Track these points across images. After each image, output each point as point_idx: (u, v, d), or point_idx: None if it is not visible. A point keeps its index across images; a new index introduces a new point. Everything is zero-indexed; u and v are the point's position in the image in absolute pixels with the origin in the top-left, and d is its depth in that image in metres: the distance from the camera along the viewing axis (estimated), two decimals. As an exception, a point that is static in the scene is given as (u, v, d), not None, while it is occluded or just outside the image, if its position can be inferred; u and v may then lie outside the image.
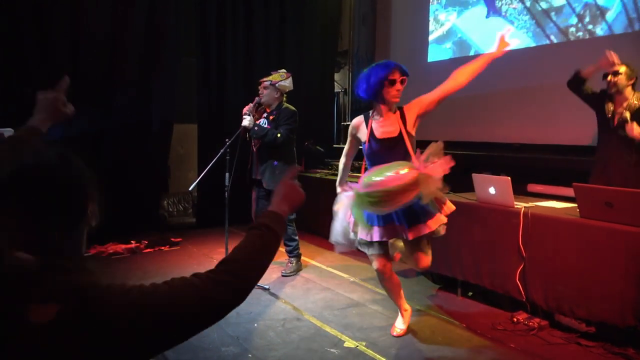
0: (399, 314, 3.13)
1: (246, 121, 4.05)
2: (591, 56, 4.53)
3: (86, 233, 1.07)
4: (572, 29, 4.65)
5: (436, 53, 5.96)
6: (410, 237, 2.72)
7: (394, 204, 2.50)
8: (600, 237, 2.81)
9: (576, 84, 3.63)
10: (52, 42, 5.01)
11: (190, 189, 3.87)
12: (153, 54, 5.57)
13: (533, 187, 4.48)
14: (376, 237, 2.76)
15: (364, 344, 2.93)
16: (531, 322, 3.11)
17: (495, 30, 5.26)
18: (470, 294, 3.67)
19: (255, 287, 3.87)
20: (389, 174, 2.47)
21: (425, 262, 2.88)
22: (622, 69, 3.42)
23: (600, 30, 4.46)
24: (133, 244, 4.98)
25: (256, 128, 4.07)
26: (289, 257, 4.36)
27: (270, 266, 4.13)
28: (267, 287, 3.86)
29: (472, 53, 5.56)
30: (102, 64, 5.30)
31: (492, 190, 3.41)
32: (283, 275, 4.22)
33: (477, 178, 3.53)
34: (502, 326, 3.13)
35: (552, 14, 4.80)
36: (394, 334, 3.06)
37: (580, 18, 4.60)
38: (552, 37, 4.81)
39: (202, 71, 6.09)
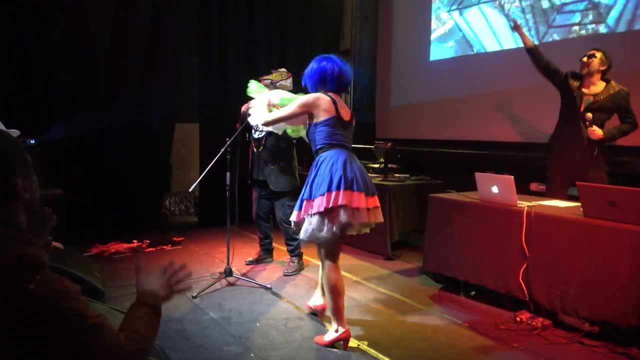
0: (318, 290, 3.33)
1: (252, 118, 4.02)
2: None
3: (23, 208, 1.15)
4: (575, 27, 4.64)
5: (438, 52, 5.95)
6: (370, 206, 2.82)
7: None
8: (604, 236, 2.80)
9: (537, 59, 3.92)
10: (54, 42, 5.01)
11: (190, 189, 3.86)
12: (154, 53, 5.57)
13: (536, 186, 4.47)
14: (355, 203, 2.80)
15: (366, 343, 2.92)
16: (534, 321, 3.10)
17: (497, 29, 5.27)
18: (473, 293, 3.66)
19: (258, 286, 3.86)
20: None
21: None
22: (598, 54, 3.65)
23: (603, 29, 4.44)
24: (135, 243, 4.98)
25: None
26: (291, 256, 4.36)
27: (272, 266, 4.15)
28: (269, 286, 3.86)
29: (474, 52, 5.54)
30: (103, 63, 5.30)
31: (495, 189, 3.39)
32: (285, 275, 4.22)
33: (480, 177, 3.52)
34: (505, 326, 3.12)
35: (554, 12, 4.78)
36: (310, 307, 3.33)
37: (583, 16, 4.58)
38: (555, 35, 4.79)
39: (203, 70, 6.08)
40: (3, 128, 2.89)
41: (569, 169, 3.71)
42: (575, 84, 3.75)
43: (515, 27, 3.98)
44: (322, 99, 2.83)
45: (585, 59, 3.68)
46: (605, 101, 3.63)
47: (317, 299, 3.33)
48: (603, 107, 3.64)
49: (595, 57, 3.64)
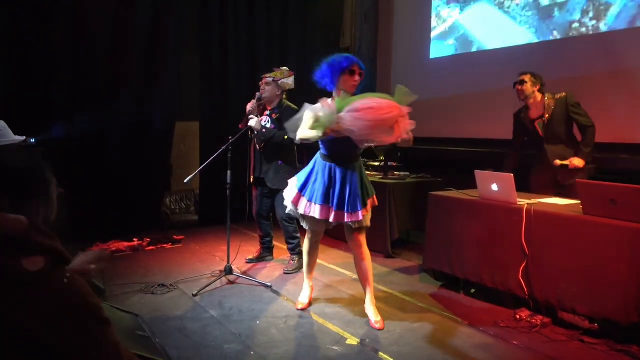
0: (306, 287, 3.45)
1: (253, 122, 4.04)
2: (594, 52, 4.53)
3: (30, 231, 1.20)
4: (576, 25, 4.63)
5: (438, 49, 5.94)
6: (333, 220, 3.01)
7: (369, 121, 2.62)
8: (604, 233, 2.80)
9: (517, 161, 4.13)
10: (54, 41, 5.01)
11: (185, 181, 3.87)
12: (155, 53, 5.57)
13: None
14: (315, 214, 3.03)
15: (366, 341, 2.93)
16: (534, 319, 3.10)
17: (497, 27, 5.26)
18: (472, 291, 3.67)
19: (258, 284, 3.87)
20: (374, 97, 2.70)
21: (356, 247, 3.12)
22: (526, 77, 3.81)
23: (603, 26, 4.44)
24: (135, 242, 4.99)
25: (264, 130, 4.07)
26: (291, 254, 4.36)
27: (273, 264, 4.16)
28: (269, 284, 3.86)
29: (474, 49, 5.54)
30: (103, 62, 5.30)
31: (494, 187, 3.40)
32: (285, 273, 4.22)
33: (480, 175, 3.52)
34: (504, 323, 3.12)
35: (555, 9, 4.78)
36: (298, 308, 3.36)
37: (584, 14, 4.57)
38: (555, 33, 4.79)
39: (204, 69, 6.09)
40: (10, 133, 2.89)
41: (553, 175, 3.87)
42: (525, 115, 3.92)
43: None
44: (332, 105, 2.81)
45: (519, 86, 3.84)
46: (553, 115, 3.77)
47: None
48: (555, 121, 3.77)
49: (525, 81, 3.81)
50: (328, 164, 3.04)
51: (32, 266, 1.10)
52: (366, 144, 2.90)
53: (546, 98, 3.81)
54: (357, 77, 2.93)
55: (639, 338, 2.74)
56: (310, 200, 3.06)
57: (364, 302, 3.25)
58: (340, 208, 2.99)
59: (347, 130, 2.67)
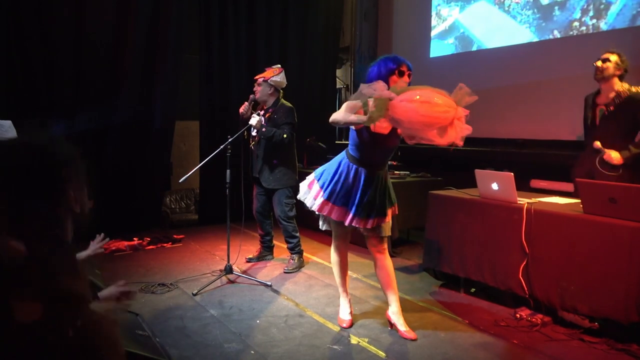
0: (343, 302, 3.23)
1: (254, 120, 4.03)
2: (594, 51, 4.51)
3: (71, 221, 1.05)
4: (576, 24, 4.63)
5: (438, 48, 5.94)
6: (348, 224, 2.92)
7: (422, 115, 2.35)
8: (604, 233, 2.80)
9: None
10: (55, 40, 5.00)
11: (180, 180, 3.88)
12: (155, 52, 5.56)
13: (536, 183, 4.47)
14: (333, 214, 2.94)
15: (366, 340, 2.93)
16: (534, 318, 3.10)
17: (497, 26, 5.25)
18: (473, 290, 3.67)
19: (258, 284, 3.86)
20: (433, 94, 2.40)
21: (374, 254, 3.04)
22: (613, 57, 3.37)
23: (604, 25, 4.43)
24: (135, 241, 4.98)
25: (264, 129, 4.07)
26: (291, 254, 4.36)
27: (273, 263, 4.14)
28: (269, 283, 3.86)
29: (474, 48, 5.54)
30: (104, 61, 5.30)
31: (495, 186, 3.39)
32: (285, 272, 4.22)
33: (480, 174, 3.52)
34: (504, 322, 3.12)
35: (555, 8, 4.77)
36: (343, 326, 3.12)
37: (584, 12, 4.57)
38: (555, 32, 4.78)
39: (204, 68, 6.08)
40: (15, 133, 2.89)
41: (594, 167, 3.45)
42: (592, 98, 3.49)
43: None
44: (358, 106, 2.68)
45: (599, 63, 3.37)
46: (619, 107, 3.32)
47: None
48: (618, 115, 3.31)
49: (610, 60, 3.33)
50: (355, 166, 2.87)
51: (24, 316, 0.84)
52: (413, 141, 2.51)
53: (622, 87, 3.34)
54: (406, 79, 2.75)
55: (639, 337, 2.74)
56: (328, 200, 2.93)
57: (387, 311, 3.09)
58: (357, 213, 2.89)
59: (396, 120, 2.39)
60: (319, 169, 3.06)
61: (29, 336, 0.84)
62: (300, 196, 3.11)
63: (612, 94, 3.38)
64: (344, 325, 3.12)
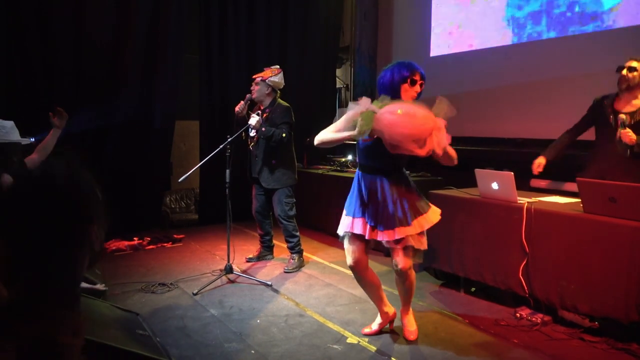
0: (378, 317, 3.03)
1: (253, 120, 4.04)
2: (594, 50, 4.52)
3: (86, 262, 0.96)
4: (576, 23, 4.62)
5: (439, 48, 5.94)
6: (368, 237, 2.75)
7: (403, 127, 2.45)
8: (604, 232, 2.80)
9: (559, 152, 3.59)
10: (55, 40, 5.01)
11: (180, 180, 3.88)
12: (155, 51, 5.56)
13: (536, 182, 4.47)
14: (355, 229, 2.76)
15: (366, 339, 2.93)
16: (534, 317, 3.10)
17: (497, 25, 5.25)
18: (473, 289, 3.67)
19: (258, 283, 3.85)
20: (413, 108, 2.52)
21: (401, 265, 2.76)
22: (637, 64, 3.22)
23: (604, 24, 4.43)
24: (135, 241, 4.99)
25: (263, 129, 4.07)
26: (291, 253, 4.36)
27: (273, 263, 4.15)
28: (269, 283, 3.86)
29: (474, 48, 5.53)
30: (104, 61, 5.30)
31: (495, 186, 3.40)
32: (285, 272, 4.22)
33: (480, 173, 3.52)
34: (505, 322, 3.13)
35: (556, 7, 4.77)
36: (364, 332, 3.01)
37: (584, 11, 4.56)
38: (556, 32, 4.78)
39: (204, 68, 6.08)
40: (16, 133, 2.89)
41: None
42: (609, 103, 3.33)
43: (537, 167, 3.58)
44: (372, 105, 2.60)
45: (624, 72, 3.22)
46: None
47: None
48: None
49: (637, 70, 3.19)
50: (360, 173, 2.82)
51: None
52: (395, 151, 2.56)
53: None
54: (417, 88, 2.72)
55: (639, 336, 2.74)
56: (349, 215, 2.81)
57: (399, 309, 3.04)
58: (373, 223, 2.74)
59: (378, 131, 2.49)
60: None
61: None
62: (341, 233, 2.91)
63: (635, 102, 3.24)
64: (365, 331, 3.02)
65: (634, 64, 3.22)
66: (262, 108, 4.25)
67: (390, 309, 3.02)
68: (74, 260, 0.93)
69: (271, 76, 4.16)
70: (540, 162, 3.56)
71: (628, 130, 3.13)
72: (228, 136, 3.93)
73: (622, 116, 3.17)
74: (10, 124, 2.88)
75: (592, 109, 3.47)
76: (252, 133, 4.21)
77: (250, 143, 4.26)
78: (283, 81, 4.25)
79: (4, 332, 0.81)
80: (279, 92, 4.27)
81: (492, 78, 5.27)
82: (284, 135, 4.06)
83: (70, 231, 0.92)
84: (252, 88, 4.23)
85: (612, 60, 4.36)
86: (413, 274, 2.85)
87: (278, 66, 4.29)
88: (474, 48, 5.53)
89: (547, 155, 3.57)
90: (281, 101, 4.23)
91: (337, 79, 7.45)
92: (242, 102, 4.19)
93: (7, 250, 0.85)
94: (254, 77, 4.26)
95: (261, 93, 4.19)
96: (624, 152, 3.18)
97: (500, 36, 5.25)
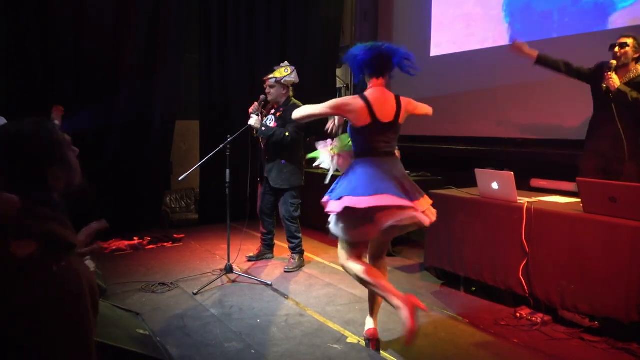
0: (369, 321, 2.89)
1: (252, 120, 4.04)
2: (594, 49, 4.51)
3: (53, 188, 1.25)
4: (576, 23, 4.62)
5: (439, 47, 5.94)
6: (408, 204, 2.59)
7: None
8: (604, 232, 2.80)
9: (551, 66, 3.82)
10: (55, 39, 5.01)
11: (180, 179, 3.88)
12: (155, 51, 5.57)
13: (536, 182, 4.47)
14: (386, 202, 2.54)
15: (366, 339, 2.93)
16: (534, 317, 3.11)
17: (497, 25, 5.25)
18: (473, 289, 3.67)
19: (259, 283, 3.83)
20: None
21: (434, 218, 2.76)
22: (630, 40, 3.42)
23: (604, 24, 4.43)
24: (136, 241, 4.99)
25: (263, 128, 4.07)
26: (292, 253, 4.36)
27: (273, 262, 4.12)
28: (269, 283, 3.87)
29: (475, 48, 5.53)
30: (104, 60, 5.30)
31: (495, 186, 3.40)
32: (286, 272, 4.22)
33: (480, 173, 3.52)
34: (505, 321, 3.13)
35: (555, 6, 4.77)
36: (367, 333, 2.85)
37: (584, 11, 4.57)
38: (556, 32, 4.78)
39: (204, 68, 6.08)
40: None
41: (603, 164, 3.48)
42: (605, 71, 3.45)
43: (515, 48, 3.85)
44: (353, 106, 2.62)
45: (617, 49, 3.42)
46: (634, 89, 3.32)
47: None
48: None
49: (628, 45, 3.39)
50: (366, 158, 2.76)
51: (20, 250, 1.03)
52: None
53: (637, 68, 3.40)
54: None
55: (639, 336, 2.74)
56: (367, 194, 2.52)
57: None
58: (403, 196, 2.55)
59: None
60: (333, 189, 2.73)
61: (21, 268, 1.02)
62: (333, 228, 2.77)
63: (628, 75, 3.42)
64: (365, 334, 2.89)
65: (624, 40, 3.42)
66: (275, 107, 4.25)
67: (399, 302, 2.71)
68: (43, 188, 1.23)
69: (285, 76, 4.16)
70: (524, 45, 3.89)
71: (613, 75, 3.35)
72: (228, 136, 3.93)
73: (613, 62, 3.39)
74: (1, 120, 2.89)
75: (594, 70, 3.61)
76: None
77: (262, 142, 4.26)
78: (297, 78, 4.25)
79: (23, 228, 1.07)
80: (291, 90, 4.27)
81: (492, 78, 5.27)
82: (286, 134, 4.06)
83: (29, 170, 1.20)
84: (266, 90, 4.22)
85: (609, 60, 4.32)
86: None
87: (287, 62, 4.28)
88: (474, 48, 5.53)
89: (538, 53, 3.83)
90: (296, 101, 4.22)
91: (337, 79, 7.45)
92: (256, 103, 4.17)
93: None
94: (265, 78, 4.25)
95: (278, 94, 4.20)
96: (607, 96, 3.38)
97: (501, 36, 5.25)
